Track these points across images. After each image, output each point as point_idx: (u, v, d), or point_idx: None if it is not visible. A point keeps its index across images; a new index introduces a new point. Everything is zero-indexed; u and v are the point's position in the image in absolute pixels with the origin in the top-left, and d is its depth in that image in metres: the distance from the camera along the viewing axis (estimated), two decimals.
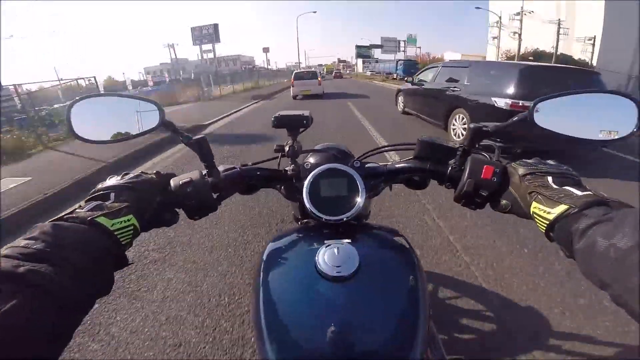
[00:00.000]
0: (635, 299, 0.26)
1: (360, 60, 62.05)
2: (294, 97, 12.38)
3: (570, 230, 0.34)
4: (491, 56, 27.63)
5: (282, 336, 0.39)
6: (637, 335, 1.29)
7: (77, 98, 0.46)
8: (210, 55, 29.41)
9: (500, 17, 26.43)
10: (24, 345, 0.23)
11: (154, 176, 0.46)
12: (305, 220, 0.65)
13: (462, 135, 4.61)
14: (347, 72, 68.09)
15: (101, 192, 0.40)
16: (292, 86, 12.60)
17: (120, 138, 0.49)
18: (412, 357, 0.37)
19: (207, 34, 27.48)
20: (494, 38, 27.12)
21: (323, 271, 0.41)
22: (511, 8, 25.85)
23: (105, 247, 0.33)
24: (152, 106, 0.48)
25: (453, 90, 4.96)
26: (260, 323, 0.40)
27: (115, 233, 0.35)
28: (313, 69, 15.57)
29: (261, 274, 0.47)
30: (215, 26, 28.13)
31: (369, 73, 46.14)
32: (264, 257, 0.50)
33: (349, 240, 0.46)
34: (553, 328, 1.40)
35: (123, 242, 0.36)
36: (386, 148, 0.64)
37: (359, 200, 0.51)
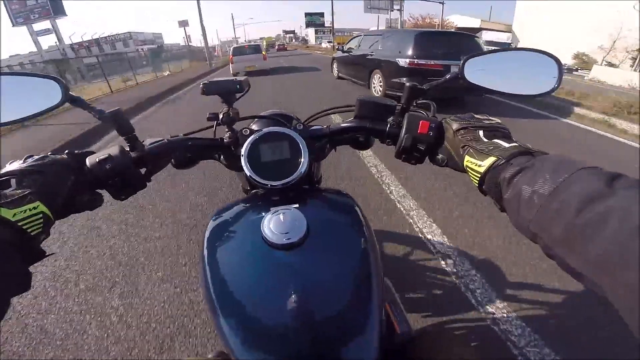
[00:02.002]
0: (562, 250, 0.25)
1: (312, 31, 60.38)
2: (235, 75, 9.81)
3: (498, 181, 0.34)
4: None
5: (238, 313, 0.38)
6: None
7: None
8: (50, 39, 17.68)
9: None
10: None
11: (65, 156, 0.43)
12: (253, 191, 0.63)
13: (380, 91, 5.76)
14: (297, 43, 65.37)
15: None
16: (231, 63, 11.23)
17: (19, 118, 0.45)
18: (373, 316, 0.38)
19: (37, 7, 16.66)
20: None
21: (270, 240, 0.41)
22: None
23: (7, 240, 0.30)
24: (53, 82, 0.45)
25: (371, 55, 6.07)
26: (214, 303, 0.39)
27: (20, 224, 0.31)
28: (254, 43, 13.44)
29: (205, 251, 0.45)
30: None
31: None
32: (207, 234, 0.48)
33: (296, 205, 0.46)
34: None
35: (32, 233, 0.32)
36: (329, 111, 0.66)
37: (303, 160, 0.51)
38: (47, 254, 0.35)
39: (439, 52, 5.07)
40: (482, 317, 1.33)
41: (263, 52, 11.82)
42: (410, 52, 5.11)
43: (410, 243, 1.81)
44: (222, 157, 0.59)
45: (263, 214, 0.45)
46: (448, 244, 1.80)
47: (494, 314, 1.34)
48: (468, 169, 0.40)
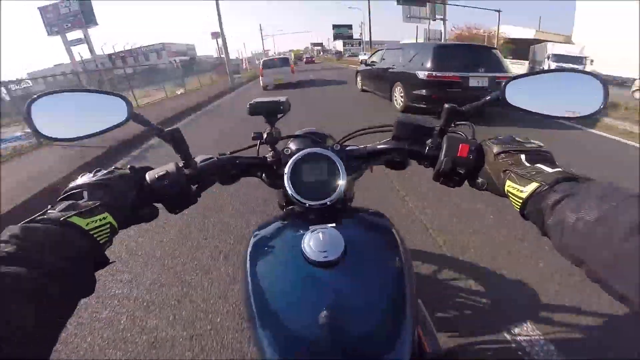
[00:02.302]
0: (608, 274, 0.26)
1: (339, 43, 60.25)
2: (265, 88, 11.44)
3: (541, 207, 0.34)
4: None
5: (276, 325, 0.40)
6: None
7: (35, 96, 0.45)
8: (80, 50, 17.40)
9: None
10: (6, 349, 0.22)
11: (128, 171, 0.46)
12: (289, 207, 0.65)
13: (402, 103, 6.02)
14: (326, 55, 65.08)
15: (73, 191, 0.39)
16: (261, 76, 11.61)
17: (89, 134, 0.47)
18: (404, 335, 0.39)
19: (71, 15, 16.65)
20: None
21: (309, 257, 0.43)
22: None
23: (81, 247, 0.32)
24: (119, 100, 0.48)
25: (393, 68, 6.39)
26: (253, 313, 0.42)
27: (91, 232, 0.34)
28: (283, 56, 13.89)
29: (248, 263, 0.48)
30: None
31: None
32: (250, 247, 0.51)
33: (333, 225, 0.47)
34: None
35: (101, 241, 0.35)
36: (365, 131, 0.67)
37: (341, 182, 0.53)
38: (110, 261, 0.37)
39: (457, 64, 5.22)
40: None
41: (291, 65, 12.21)
42: (429, 64, 5.30)
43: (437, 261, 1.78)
44: (263, 175, 0.62)
45: (302, 232, 0.47)
46: None
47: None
48: (509, 194, 0.40)
